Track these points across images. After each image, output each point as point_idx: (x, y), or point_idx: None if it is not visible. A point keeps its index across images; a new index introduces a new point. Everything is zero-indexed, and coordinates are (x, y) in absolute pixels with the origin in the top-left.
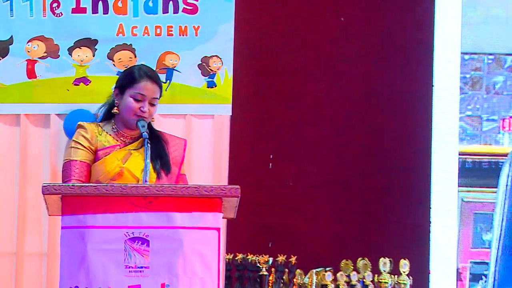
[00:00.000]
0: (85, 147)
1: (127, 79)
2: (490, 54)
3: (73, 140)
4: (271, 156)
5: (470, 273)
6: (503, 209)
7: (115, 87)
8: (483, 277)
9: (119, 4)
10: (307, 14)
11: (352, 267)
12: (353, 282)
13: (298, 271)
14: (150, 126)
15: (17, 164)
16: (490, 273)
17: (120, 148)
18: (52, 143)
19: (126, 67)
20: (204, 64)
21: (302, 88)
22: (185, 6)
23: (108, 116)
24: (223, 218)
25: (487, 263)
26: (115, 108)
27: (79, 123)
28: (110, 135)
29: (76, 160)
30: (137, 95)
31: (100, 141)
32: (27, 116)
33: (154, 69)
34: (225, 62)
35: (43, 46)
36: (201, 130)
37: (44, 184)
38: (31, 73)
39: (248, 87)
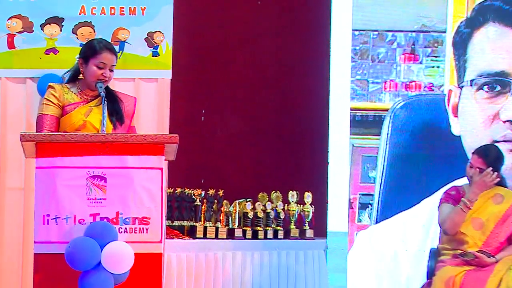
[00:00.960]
0: (54, 103)
1: (90, 51)
2: (375, 31)
3: (45, 98)
4: (203, 111)
5: (359, 203)
6: (385, 152)
7: (79, 57)
8: (369, 205)
9: None
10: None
11: (267, 199)
12: (268, 210)
13: (225, 202)
14: (107, 87)
15: None
16: (374, 202)
17: (83, 105)
18: (28, 101)
19: (87, 40)
20: (149, 37)
21: (227, 57)
22: None
23: (73, 79)
24: (165, 160)
25: (372, 195)
26: (81, 74)
27: (49, 84)
28: (75, 94)
29: (47, 114)
30: (100, 64)
31: (66, 99)
32: (7, 79)
33: (110, 42)
34: (166, 36)
35: (20, 23)
36: (147, 90)
37: (22, 133)
38: (11, 45)
39: (185, 56)
